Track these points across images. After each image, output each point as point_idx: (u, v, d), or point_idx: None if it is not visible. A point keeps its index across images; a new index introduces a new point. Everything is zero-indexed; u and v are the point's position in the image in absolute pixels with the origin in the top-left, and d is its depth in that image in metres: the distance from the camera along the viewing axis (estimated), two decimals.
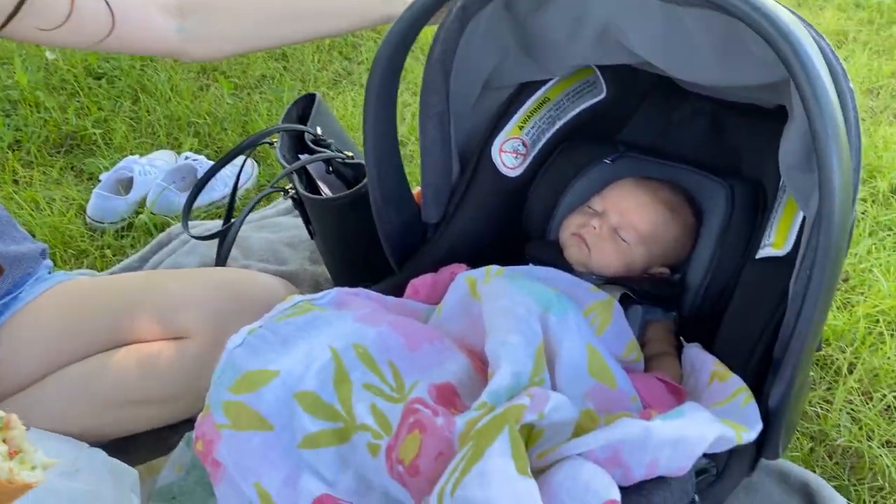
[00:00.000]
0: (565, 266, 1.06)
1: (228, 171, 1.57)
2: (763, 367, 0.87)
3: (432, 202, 1.08)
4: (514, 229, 1.17)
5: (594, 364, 0.83)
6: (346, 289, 0.92)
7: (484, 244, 1.10)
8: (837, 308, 1.40)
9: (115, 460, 0.99)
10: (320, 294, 0.89)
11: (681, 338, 1.02)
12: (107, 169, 1.76)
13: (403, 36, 0.91)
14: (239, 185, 1.72)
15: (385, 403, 0.78)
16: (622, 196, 1.06)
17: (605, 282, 1.03)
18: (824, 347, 1.32)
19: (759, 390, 0.85)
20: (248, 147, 1.37)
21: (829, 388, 1.26)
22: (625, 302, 1.00)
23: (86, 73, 2.16)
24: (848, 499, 1.08)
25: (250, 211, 1.28)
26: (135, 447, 1.10)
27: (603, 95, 1.13)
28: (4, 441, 0.67)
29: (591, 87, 1.13)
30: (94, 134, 1.90)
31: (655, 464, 0.69)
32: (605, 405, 0.81)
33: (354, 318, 0.84)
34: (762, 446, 0.85)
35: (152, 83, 2.11)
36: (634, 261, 1.05)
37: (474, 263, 0.99)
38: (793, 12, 0.73)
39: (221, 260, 1.30)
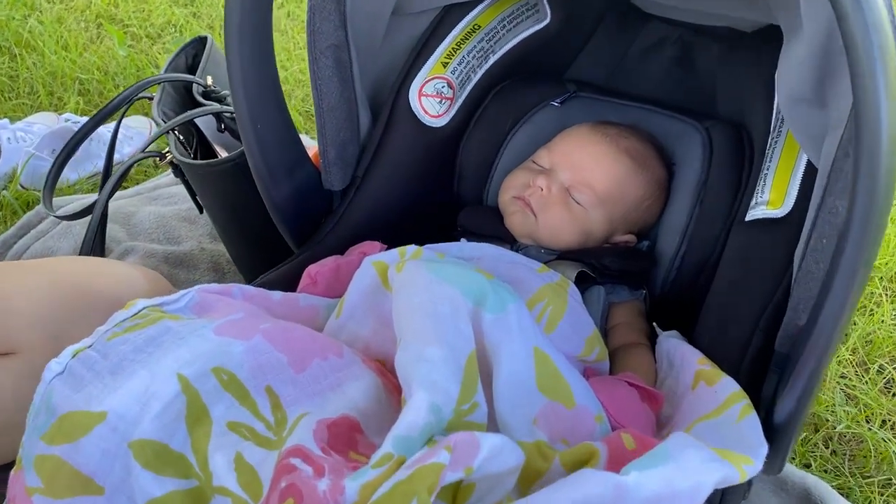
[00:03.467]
0: (507, 239, 0.89)
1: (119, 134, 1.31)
2: (761, 362, 0.69)
3: (335, 164, 0.87)
4: (444, 194, 1.00)
5: (544, 376, 0.63)
6: (213, 286, 0.70)
7: (404, 215, 0.93)
8: None
9: None
10: (175, 296, 0.67)
11: (654, 323, 0.83)
12: None
13: None
14: (126, 150, 1.49)
15: (256, 451, 0.56)
16: (574, 147, 0.90)
17: (557, 257, 0.87)
18: None
19: (757, 392, 0.67)
20: (121, 104, 1.17)
21: None
22: (582, 282, 0.82)
23: None
24: (855, 501, 0.91)
25: (118, 183, 1.04)
26: None
27: (547, 21, 0.97)
28: None
29: (531, 11, 0.96)
30: None
31: None
32: (560, 431, 0.61)
33: (216, 329, 0.61)
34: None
35: (34, 35, 1.82)
36: (592, 228, 0.88)
37: (393, 241, 0.81)
38: None
39: (88, 244, 1.06)
